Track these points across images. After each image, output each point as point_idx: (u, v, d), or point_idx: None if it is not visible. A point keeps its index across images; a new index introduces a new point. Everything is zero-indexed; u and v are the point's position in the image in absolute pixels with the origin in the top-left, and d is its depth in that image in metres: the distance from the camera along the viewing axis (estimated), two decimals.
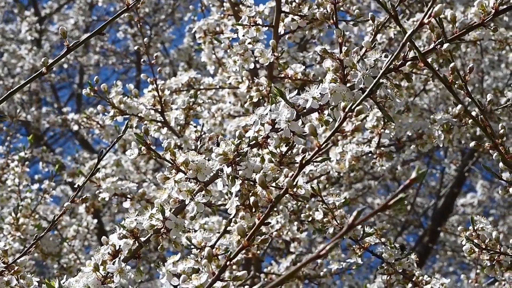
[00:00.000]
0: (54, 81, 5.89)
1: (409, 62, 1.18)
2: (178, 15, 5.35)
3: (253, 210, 1.08)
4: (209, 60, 2.69)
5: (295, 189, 1.34)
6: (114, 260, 1.31)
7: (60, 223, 3.41)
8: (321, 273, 2.66)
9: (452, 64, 1.27)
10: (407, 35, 0.93)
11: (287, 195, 1.20)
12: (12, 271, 1.45)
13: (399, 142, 2.32)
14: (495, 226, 5.32)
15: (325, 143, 0.96)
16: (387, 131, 2.25)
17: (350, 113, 0.96)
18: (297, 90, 3.05)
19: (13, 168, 2.77)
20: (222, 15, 2.53)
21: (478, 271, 2.26)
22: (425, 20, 0.98)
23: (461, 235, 1.75)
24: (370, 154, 2.27)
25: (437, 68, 2.84)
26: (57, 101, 6.28)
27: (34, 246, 1.45)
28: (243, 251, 0.97)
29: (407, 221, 5.11)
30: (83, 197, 1.49)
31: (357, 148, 2.25)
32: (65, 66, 5.67)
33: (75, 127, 3.74)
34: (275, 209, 1.96)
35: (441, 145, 2.01)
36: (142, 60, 2.40)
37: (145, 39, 2.26)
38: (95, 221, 3.65)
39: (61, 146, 7.33)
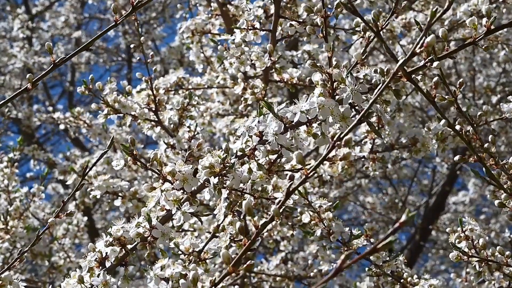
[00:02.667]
0: (45, 79, 5.87)
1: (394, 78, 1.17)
2: (169, 13, 5.33)
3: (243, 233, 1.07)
4: (197, 59, 2.69)
5: None
6: (99, 273, 1.31)
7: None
8: (311, 274, 2.67)
9: (435, 79, 1.26)
10: (398, 64, 0.93)
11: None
12: None
13: (393, 147, 2.31)
14: (487, 224, 5.32)
15: (312, 172, 0.96)
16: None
17: (338, 142, 0.96)
18: (291, 94, 3.04)
19: (3, 169, 2.74)
20: (210, 15, 2.52)
21: (468, 269, 2.26)
22: (417, 50, 0.97)
23: (450, 236, 1.75)
24: (363, 159, 2.27)
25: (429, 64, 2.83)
26: (49, 99, 6.25)
27: (18, 260, 1.44)
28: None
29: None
30: (68, 212, 1.48)
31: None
32: None
33: (62, 126, 3.72)
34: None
35: (435, 153, 2.00)
36: (138, 58, 2.39)
37: (141, 38, 2.24)
38: (85, 218, 3.63)
39: (53, 144, 7.32)
